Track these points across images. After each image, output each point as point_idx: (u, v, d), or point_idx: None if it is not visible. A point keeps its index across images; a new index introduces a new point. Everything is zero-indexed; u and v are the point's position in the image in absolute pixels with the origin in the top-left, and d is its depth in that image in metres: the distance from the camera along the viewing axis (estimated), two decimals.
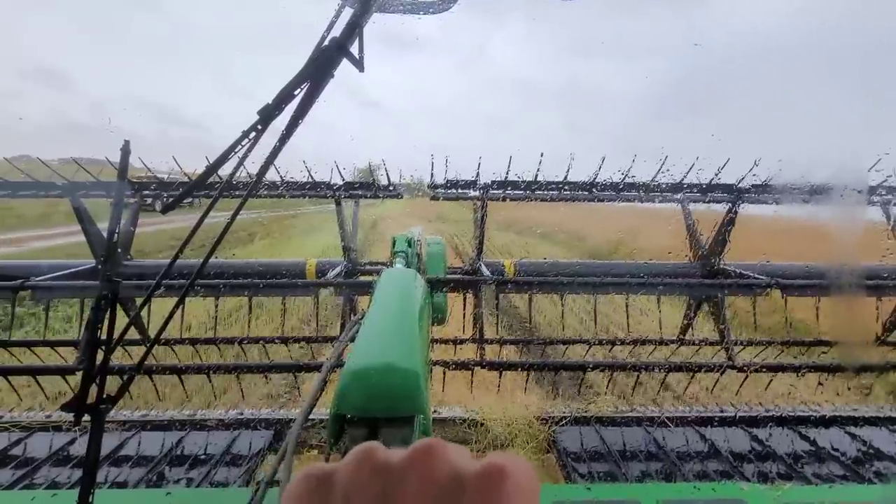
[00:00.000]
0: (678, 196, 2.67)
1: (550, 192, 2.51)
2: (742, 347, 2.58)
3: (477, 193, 2.52)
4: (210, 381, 2.59)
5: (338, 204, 2.61)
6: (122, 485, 2.14)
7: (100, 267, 2.56)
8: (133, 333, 2.42)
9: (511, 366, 2.50)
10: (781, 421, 2.63)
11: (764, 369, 2.49)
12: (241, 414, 2.74)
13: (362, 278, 2.67)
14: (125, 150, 0.73)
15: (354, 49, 0.78)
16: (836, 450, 2.39)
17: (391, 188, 2.56)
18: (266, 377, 2.77)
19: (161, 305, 2.67)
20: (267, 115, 0.74)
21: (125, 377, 0.79)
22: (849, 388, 2.87)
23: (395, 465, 0.25)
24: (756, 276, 2.43)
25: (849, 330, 2.50)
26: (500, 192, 2.51)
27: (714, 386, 2.77)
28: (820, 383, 2.74)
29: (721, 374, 2.54)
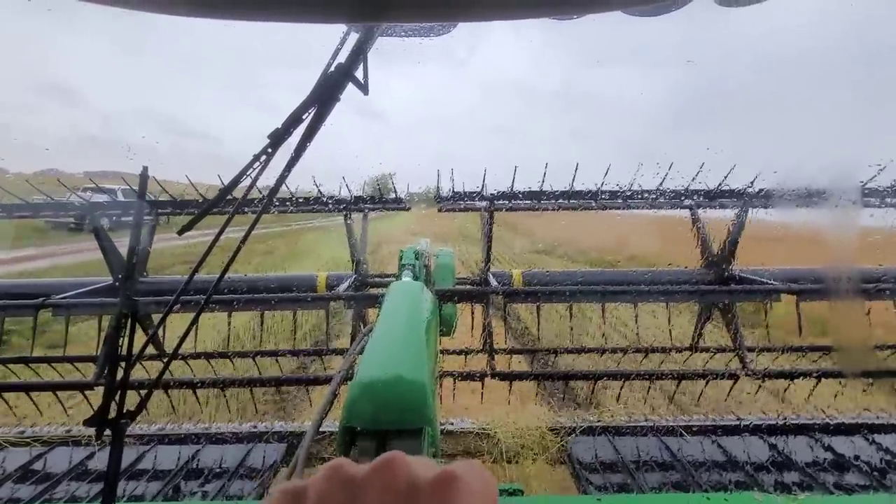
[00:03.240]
0: (687, 202, 2.66)
1: (557, 202, 2.52)
2: (756, 354, 2.54)
3: (484, 204, 2.54)
4: (224, 395, 2.63)
5: (346, 218, 2.66)
6: (140, 498, 2.17)
7: (117, 284, 2.63)
8: (149, 349, 2.47)
9: (520, 376, 2.49)
10: (800, 429, 2.57)
11: (780, 376, 2.44)
12: (255, 427, 2.77)
13: (372, 291, 2.70)
14: (143, 175, 0.76)
15: (359, 73, 0.82)
16: (858, 458, 2.33)
17: (399, 201, 2.60)
18: (278, 390, 2.79)
19: (173, 320, 2.74)
20: (277, 138, 0.77)
21: (142, 392, 0.82)
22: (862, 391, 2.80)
23: (359, 477, 0.27)
24: (768, 281, 2.41)
25: (849, 335, 2.46)
26: (507, 202, 2.53)
27: (728, 394, 2.73)
28: (844, 385, 2.67)
29: (735, 381, 2.50)
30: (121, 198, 2.97)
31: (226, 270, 0.82)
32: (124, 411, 0.76)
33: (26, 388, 2.45)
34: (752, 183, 2.53)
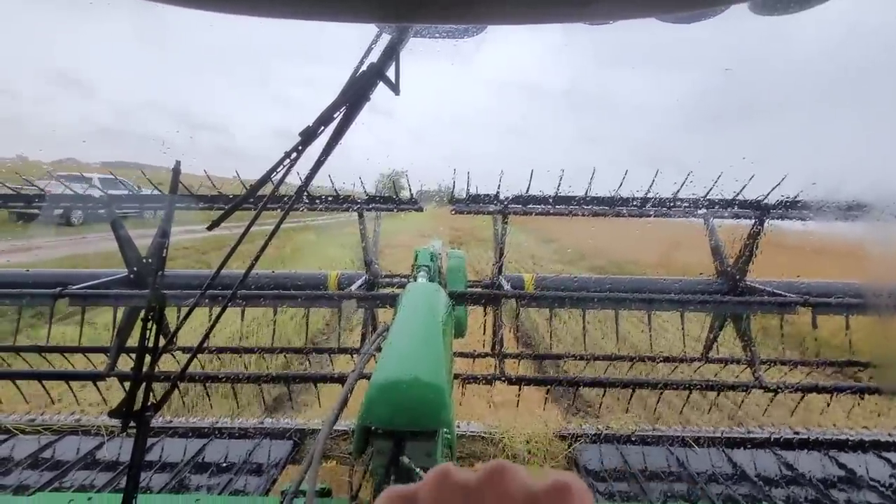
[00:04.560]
0: (702, 211, 2.64)
1: (571, 207, 2.51)
2: (770, 367, 2.51)
3: (498, 208, 2.54)
4: (234, 390, 2.64)
5: (360, 216, 2.67)
6: (146, 490, 2.19)
7: (132, 276, 2.65)
8: (161, 342, 2.49)
9: (530, 381, 2.48)
10: (813, 444, 2.53)
11: (793, 390, 2.41)
12: (262, 423, 2.78)
13: (383, 291, 2.70)
14: (176, 169, 0.77)
15: (390, 73, 0.82)
16: (872, 477, 2.29)
17: (413, 201, 2.60)
18: (289, 387, 2.79)
19: (196, 314, 2.74)
20: (307, 136, 0.78)
21: (144, 384, 0.83)
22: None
23: (472, 484, 0.27)
24: (783, 293, 2.38)
25: (887, 351, 2.41)
26: (521, 206, 2.53)
27: (740, 406, 2.70)
28: (859, 401, 2.62)
29: (748, 394, 2.47)
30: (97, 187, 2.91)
31: (252, 266, 0.83)
32: (149, 403, 0.77)
33: (39, 377, 2.48)
34: (768, 194, 2.50)
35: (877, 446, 2.52)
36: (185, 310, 0.81)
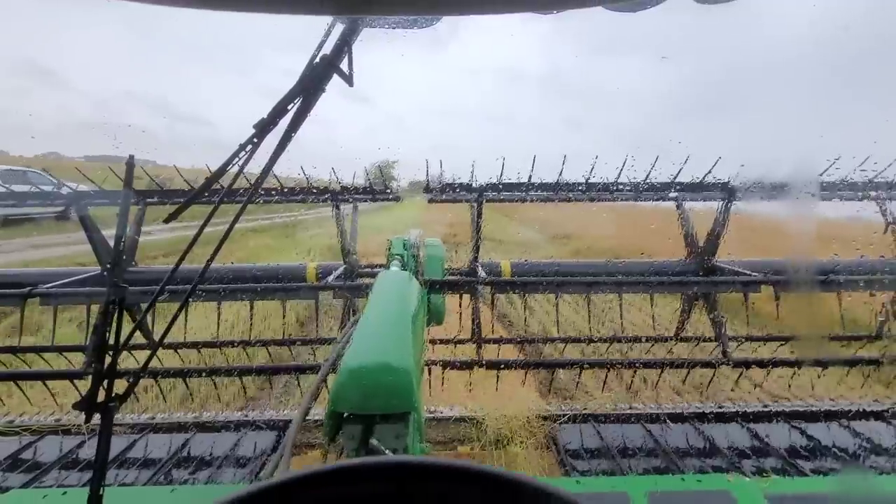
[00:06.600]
0: (672, 194, 2.70)
1: (545, 193, 2.54)
2: (738, 343, 2.60)
3: (472, 196, 2.55)
4: (214, 384, 2.64)
5: (336, 207, 2.65)
6: (131, 485, 2.19)
7: (105, 274, 2.61)
8: (141, 338, 2.47)
9: (508, 364, 2.53)
10: (780, 416, 2.64)
11: (759, 365, 2.50)
12: (247, 416, 2.79)
13: (361, 281, 2.70)
14: (130, 164, 0.77)
15: (344, 65, 0.83)
16: (836, 444, 2.40)
17: (389, 191, 2.59)
18: (270, 380, 2.80)
19: (164, 311, 2.71)
20: (262, 128, 0.78)
21: (131, 379, 0.84)
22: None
23: None
24: (750, 272, 2.46)
25: (805, 323, 2.52)
26: (496, 194, 2.55)
27: (710, 382, 2.79)
28: (823, 373, 2.73)
29: (717, 370, 2.56)
30: None
31: (212, 259, 0.83)
32: (112, 395, 0.77)
33: (15, 377, 2.44)
34: (733, 176, 2.57)
35: (840, 415, 2.65)
36: (166, 306, 0.81)
